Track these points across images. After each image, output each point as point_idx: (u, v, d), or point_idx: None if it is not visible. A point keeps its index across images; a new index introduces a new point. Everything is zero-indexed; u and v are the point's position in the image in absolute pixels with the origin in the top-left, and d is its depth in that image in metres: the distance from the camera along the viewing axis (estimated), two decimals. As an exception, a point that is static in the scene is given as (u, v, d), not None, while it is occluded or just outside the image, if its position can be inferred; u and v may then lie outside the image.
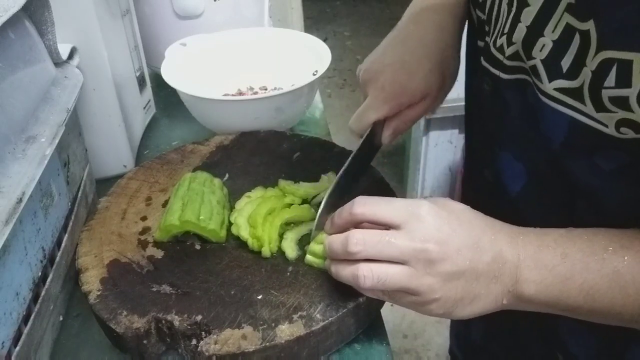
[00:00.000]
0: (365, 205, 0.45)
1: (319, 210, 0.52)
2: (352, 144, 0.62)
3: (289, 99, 0.75)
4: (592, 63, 0.39)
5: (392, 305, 0.47)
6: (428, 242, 0.42)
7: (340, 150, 0.70)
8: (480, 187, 0.59)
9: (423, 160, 2.01)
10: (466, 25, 0.63)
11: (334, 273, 0.47)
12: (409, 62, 0.56)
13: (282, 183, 0.63)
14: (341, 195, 0.54)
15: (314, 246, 0.52)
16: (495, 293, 0.44)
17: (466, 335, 0.78)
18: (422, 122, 1.90)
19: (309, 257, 0.53)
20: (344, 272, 0.46)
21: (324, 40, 0.86)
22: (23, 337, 0.47)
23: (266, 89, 0.87)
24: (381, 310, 0.55)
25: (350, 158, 0.56)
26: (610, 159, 0.43)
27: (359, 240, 0.44)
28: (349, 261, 0.45)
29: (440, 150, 1.99)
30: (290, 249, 0.54)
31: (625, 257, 0.42)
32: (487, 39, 0.51)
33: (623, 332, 0.50)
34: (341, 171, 0.54)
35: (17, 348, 0.46)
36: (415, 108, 0.57)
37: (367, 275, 0.43)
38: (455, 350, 0.84)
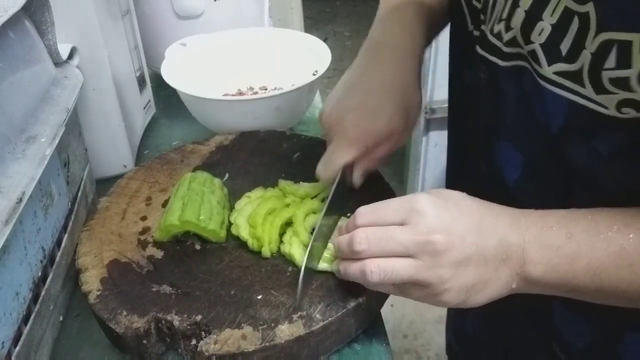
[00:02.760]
0: (366, 215, 0.46)
1: (307, 251, 0.51)
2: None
3: (289, 99, 0.75)
4: (591, 45, 0.40)
5: (392, 305, 0.47)
6: (432, 233, 0.43)
7: (340, 150, 0.70)
8: (474, 180, 0.59)
9: (423, 160, 2.01)
10: (453, 17, 0.62)
11: (342, 272, 0.48)
12: (371, 106, 0.56)
13: (282, 183, 0.63)
14: (327, 231, 0.54)
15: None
16: (505, 276, 0.44)
17: (461, 327, 0.78)
18: (422, 122, 1.90)
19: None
20: (351, 269, 0.46)
21: (324, 40, 0.86)
22: (23, 337, 0.47)
23: (266, 89, 0.87)
24: (381, 310, 0.55)
25: (325, 204, 0.54)
26: (609, 142, 0.43)
27: (362, 239, 0.44)
28: (356, 259, 0.46)
29: (440, 150, 1.98)
30: (300, 254, 0.53)
31: (631, 235, 0.42)
32: (484, 27, 0.51)
33: (617, 320, 0.50)
34: (320, 217, 0.54)
35: (17, 348, 0.46)
36: (382, 147, 0.57)
37: (374, 270, 0.44)
38: (453, 344, 0.84)
